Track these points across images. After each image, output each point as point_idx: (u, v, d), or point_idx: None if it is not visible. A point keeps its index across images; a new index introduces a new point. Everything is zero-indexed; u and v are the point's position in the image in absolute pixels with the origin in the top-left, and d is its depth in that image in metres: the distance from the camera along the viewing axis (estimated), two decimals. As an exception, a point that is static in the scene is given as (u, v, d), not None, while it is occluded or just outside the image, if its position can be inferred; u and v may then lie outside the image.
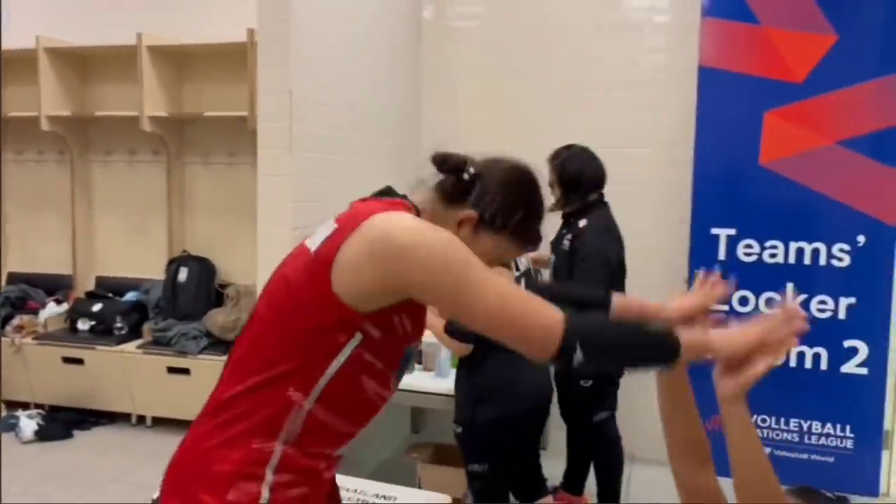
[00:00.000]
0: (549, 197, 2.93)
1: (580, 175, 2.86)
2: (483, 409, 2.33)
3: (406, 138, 3.93)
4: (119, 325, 4.29)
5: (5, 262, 4.88)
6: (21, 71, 4.57)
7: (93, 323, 4.36)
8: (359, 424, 1.33)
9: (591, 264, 2.73)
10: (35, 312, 4.54)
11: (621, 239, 2.91)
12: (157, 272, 4.50)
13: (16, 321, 4.40)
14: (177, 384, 4.03)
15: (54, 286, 4.74)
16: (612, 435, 3.03)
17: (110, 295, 4.57)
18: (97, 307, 4.41)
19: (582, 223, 2.83)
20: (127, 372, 4.14)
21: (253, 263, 4.44)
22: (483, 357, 2.35)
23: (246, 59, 3.94)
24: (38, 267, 4.83)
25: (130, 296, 4.54)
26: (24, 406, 4.32)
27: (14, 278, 4.83)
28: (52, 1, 4.68)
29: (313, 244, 1.25)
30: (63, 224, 4.73)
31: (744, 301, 3.37)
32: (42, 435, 3.97)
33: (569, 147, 2.93)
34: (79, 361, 4.20)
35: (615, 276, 2.86)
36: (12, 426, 4.05)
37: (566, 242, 2.87)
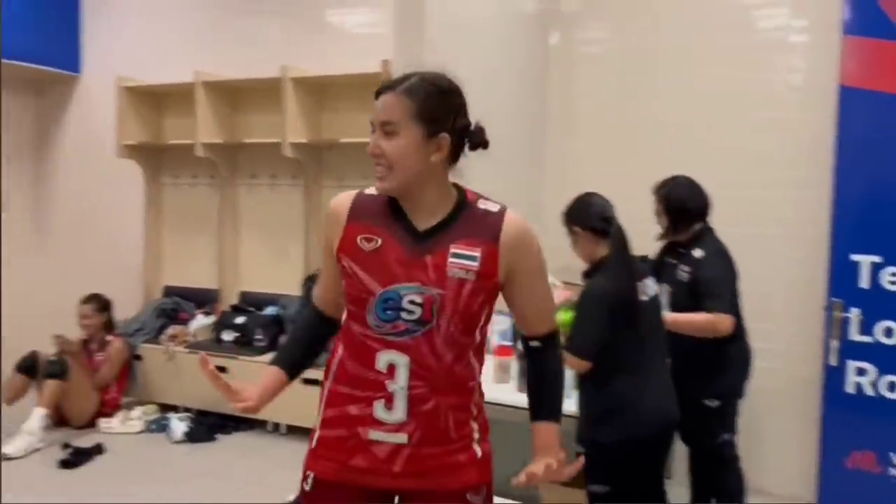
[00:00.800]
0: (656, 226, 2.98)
1: (685, 204, 2.92)
2: (605, 431, 2.33)
3: (529, 162, 4.01)
4: (259, 337, 4.60)
5: (162, 277, 5.36)
6: (180, 103, 5.05)
7: (236, 334, 4.69)
8: (365, 366, 1.50)
9: (721, 292, 2.78)
10: (186, 323, 4.95)
11: (734, 264, 2.91)
12: (294, 288, 4.79)
13: (170, 331, 4.82)
14: (310, 395, 4.25)
15: (203, 299, 5.15)
16: (733, 457, 3.02)
17: (252, 309, 4.91)
18: (240, 320, 4.74)
19: (697, 253, 2.87)
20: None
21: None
22: (606, 377, 2.34)
23: (380, 89, 4.16)
24: (190, 281, 5.26)
25: (270, 310, 4.86)
26: (175, 409, 4.70)
27: (169, 291, 5.29)
28: (208, 40, 5.12)
29: None
30: (212, 242, 5.14)
31: (889, 332, 3.18)
32: (190, 436, 4.31)
33: (674, 178, 3.01)
34: (223, 370, 4.53)
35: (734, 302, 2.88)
36: (164, 427, 4.43)
37: (683, 273, 2.89)
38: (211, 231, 5.15)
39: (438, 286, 1.45)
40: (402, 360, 1.47)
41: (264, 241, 5.08)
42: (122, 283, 5.18)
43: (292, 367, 1.68)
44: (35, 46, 5.31)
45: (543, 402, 1.61)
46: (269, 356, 4.48)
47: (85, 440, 4.17)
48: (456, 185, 1.55)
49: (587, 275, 2.46)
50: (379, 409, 1.48)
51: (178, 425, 4.36)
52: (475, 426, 1.56)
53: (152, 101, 5.24)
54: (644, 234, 2.93)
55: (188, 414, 4.58)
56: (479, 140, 1.53)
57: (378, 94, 1.49)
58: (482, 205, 1.53)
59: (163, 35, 5.29)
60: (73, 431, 4.35)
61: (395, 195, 1.50)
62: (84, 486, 3.67)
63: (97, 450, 4.06)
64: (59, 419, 4.36)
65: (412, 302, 1.45)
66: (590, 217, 2.41)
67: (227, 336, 4.70)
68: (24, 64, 5.26)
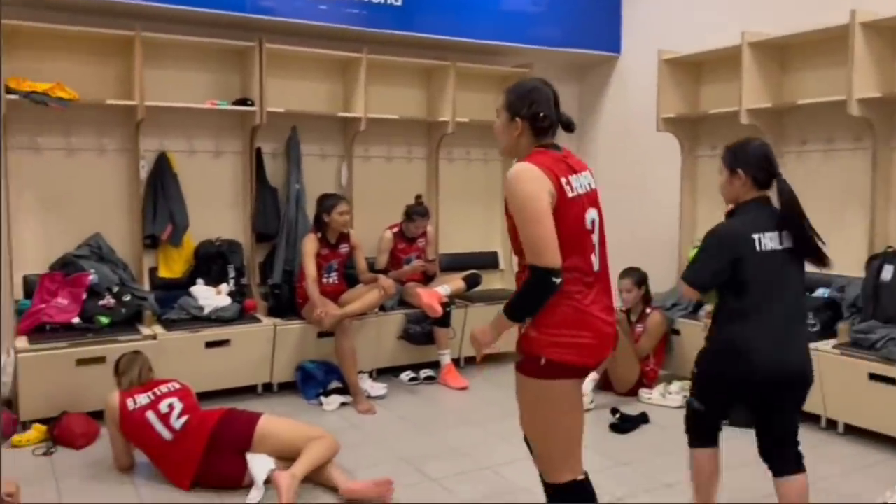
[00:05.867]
0: None
1: None
2: (711, 363, 2.56)
3: None
4: (812, 321, 4.10)
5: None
6: (722, 69, 4.83)
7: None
8: None
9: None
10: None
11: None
12: (854, 269, 4.16)
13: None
14: (880, 393, 3.64)
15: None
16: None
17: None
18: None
19: None
20: (821, 372, 3.92)
21: None
22: (727, 319, 2.52)
23: None
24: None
25: (821, 292, 4.32)
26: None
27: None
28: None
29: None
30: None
31: None
32: (734, 422, 4.08)
33: None
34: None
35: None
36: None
37: None
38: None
39: None
40: None
41: (816, 214, 4.51)
42: (658, 257, 5.23)
43: None
44: (580, 34, 5.68)
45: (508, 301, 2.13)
46: (825, 343, 3.98)
47: (630, 407, 4.30)
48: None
49: (729, 215, 2.60)
50: None
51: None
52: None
53: (692, 70, 5.12)
54: None
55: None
56: (542, 125, 2.16)
57: None
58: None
59: (702, 2, 5.12)
60: (618, 397, 4.54)
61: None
62: (634, 451, 3.76)
63: (643, 418, 4.14)
64: (605, 384, 4.59)
65: None
66: (757, 164, 2.51)
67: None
68: (571, 50, 5.68)
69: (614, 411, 4.17)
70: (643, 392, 4.53)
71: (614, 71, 5.93)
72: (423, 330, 4.91)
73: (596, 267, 2.14)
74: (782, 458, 2.59)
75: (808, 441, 3.83)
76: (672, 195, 5.25)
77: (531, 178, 2.03)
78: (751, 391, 2.52)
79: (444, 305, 4.84)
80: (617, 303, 4.69)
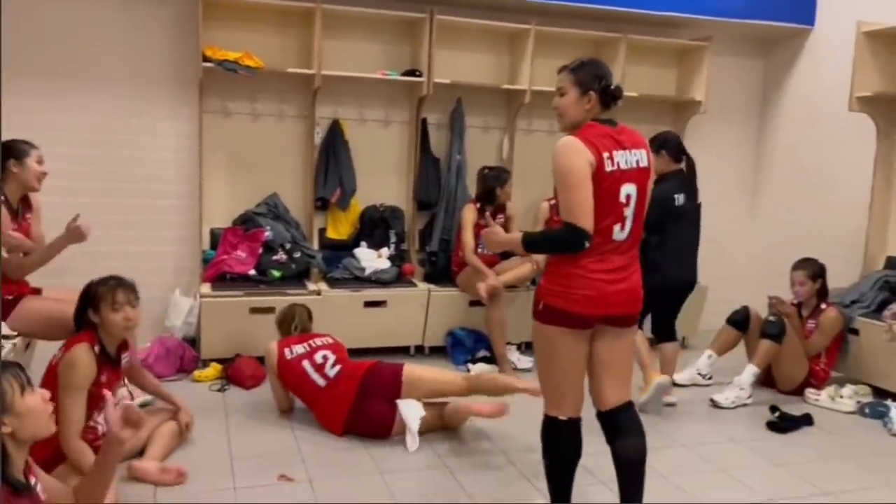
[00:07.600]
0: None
1: None
2: (648, 278, 2.57)
3: None
4: None
5: (888, 246, 4.75)
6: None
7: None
8: None
9: None
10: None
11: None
12: None
13: (894, 307, 4.20)
14: None
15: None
16: None
17: None
18: None
19: None
20: None
21: None
22: (656, 247, 3.68)
23: None
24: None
25: None
26: (893, 396, 4.12)
27: (893, 262, 4.65)
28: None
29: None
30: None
31: None
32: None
33: None
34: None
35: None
36: (881, 414, 3.92)
37: None
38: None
39: None
40: None
41: None
42: (838, 249, 4.80)
43: None
44: (767, 4, 5.27)
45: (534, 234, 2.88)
46: None
47: (793, 407, 4.01)
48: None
49: (655, 183, 2.98)
50: None
51: (901, 416, 3.79)
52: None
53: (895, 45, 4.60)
54: None
55: (908, 405, 3.95)
56: (614, 95, 2.36)
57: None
58: None
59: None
60: (780, 395, 4.25)
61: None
62: (791, 453, 3.51)
63: (806, 420, 3.85)
64: (766, 380, 4.31)
65: None
66: (675, 147, 3.91)
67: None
68: (757, 22, 5.28)
69: (774, 409, 3.91)
70: (810, 392, 4.21)
71: (805, 44, 5.45)
72: (575, 307, 4.86)
73: (622, 237, 2.32)
74: (667, 331, 4.05)
75: None
76: (861, 182, 4.77)
77: (573, 151, 2.24)
78: (666, 292, 3.81)
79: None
80: (788, 296, 4.39)
